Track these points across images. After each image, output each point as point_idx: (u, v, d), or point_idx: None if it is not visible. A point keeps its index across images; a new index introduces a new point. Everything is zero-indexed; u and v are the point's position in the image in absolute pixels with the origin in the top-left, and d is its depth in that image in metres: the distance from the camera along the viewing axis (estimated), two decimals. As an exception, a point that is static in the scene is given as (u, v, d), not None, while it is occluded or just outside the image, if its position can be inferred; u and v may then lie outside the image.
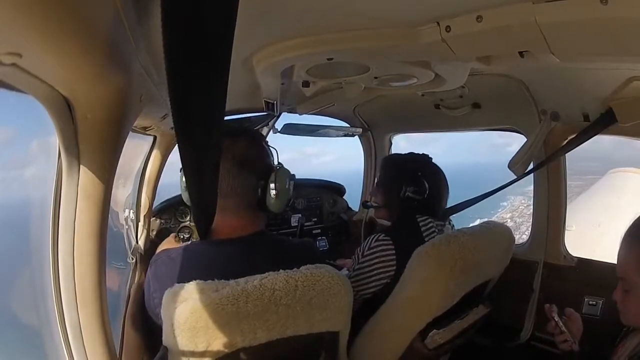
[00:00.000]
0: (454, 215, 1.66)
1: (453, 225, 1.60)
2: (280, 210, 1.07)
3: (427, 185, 1.40)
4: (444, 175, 1.50)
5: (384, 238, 1.31)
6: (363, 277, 1.30)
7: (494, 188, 1.68)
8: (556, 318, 1.06)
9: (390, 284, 1.26)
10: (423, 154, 1.55)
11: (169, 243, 1.68)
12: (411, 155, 1.56)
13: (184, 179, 0.97)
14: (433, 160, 1.52)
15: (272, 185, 1.03)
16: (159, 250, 1.63)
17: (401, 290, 1.21)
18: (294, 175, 1.11)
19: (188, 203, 1.04)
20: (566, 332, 1.05)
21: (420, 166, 1.47)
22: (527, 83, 1.47)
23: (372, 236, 1.35)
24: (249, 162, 1.03)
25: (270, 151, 1.10)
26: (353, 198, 2.63)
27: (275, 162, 1.10)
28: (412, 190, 1.40)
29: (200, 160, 0.75)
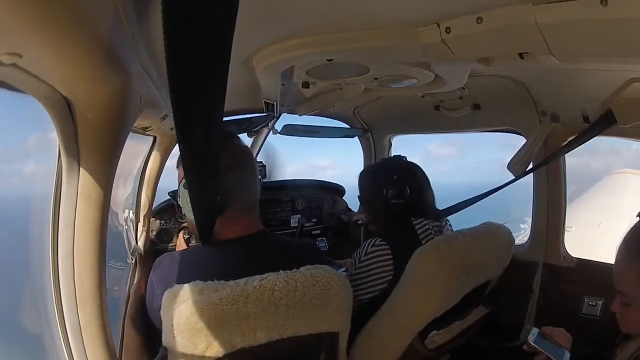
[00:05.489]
0: (461, 220, 1.62)
1: (450, 225, 1.57)
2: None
3: (407, 187, 1.37)
4: (422, 171, 1.46)
5: (381, 243, 1.29)
6: (360, 283, 1.29)
7: (492, 188, 1.68)
8: (532, 343, 1.02)
9: (388, 289, 1.24)
10: (395, 156, 1.51)
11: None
12: (384, 160, 1.52)
13: (184, 190, 0.95)
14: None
15: None
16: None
17: (401, 291, 1.20)
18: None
19: (190, 216, 1.00)
20: (544, 353, 1.02)
21: (395, 169, 1.43)
22: (527, 84, 1.47)
23: (369, 240, 1.32)
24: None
25: (232, 153, 1.04)
26: (353, 202, 2.62)
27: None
28: (394, 195, 1.36)
29: (201, 160, 0.75)
